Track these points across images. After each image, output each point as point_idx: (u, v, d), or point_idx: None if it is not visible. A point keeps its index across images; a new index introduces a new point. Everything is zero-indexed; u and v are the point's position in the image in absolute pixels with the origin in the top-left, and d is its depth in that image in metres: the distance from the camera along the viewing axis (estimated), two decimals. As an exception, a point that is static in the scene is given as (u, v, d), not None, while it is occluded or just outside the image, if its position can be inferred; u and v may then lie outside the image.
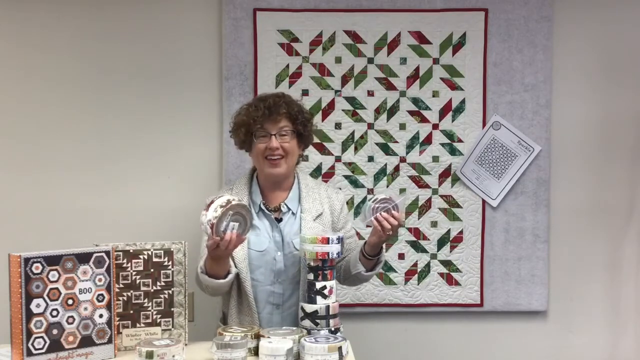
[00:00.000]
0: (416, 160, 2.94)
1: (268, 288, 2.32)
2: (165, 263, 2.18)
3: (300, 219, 2.33)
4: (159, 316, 2.17)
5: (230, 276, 2.22)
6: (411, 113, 2.93)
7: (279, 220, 2.34)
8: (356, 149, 2.93)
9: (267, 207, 2.35)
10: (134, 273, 2.15)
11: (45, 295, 1.95)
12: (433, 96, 2.93)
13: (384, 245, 2.35)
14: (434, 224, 2.96)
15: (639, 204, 3.02)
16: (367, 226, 2.29)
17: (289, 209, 2.35)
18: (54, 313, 1.97)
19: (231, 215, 2.05)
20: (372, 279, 2.92)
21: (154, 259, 2.17)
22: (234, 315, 2.31)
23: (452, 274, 2.96)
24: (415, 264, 2.96)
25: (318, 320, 2.12)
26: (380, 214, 2.20)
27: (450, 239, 2.96)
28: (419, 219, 2.95)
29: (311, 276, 2.15)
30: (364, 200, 2.92)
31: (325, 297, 2.14)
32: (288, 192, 2.37)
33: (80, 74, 2.89)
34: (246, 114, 2.31)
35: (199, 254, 2.33)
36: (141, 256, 2.16)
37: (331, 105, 2.92)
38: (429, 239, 2.96)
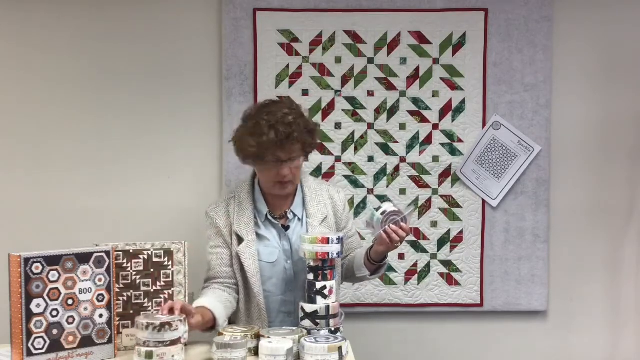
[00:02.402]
0: (416, 160, 2.94)
1: (280, 297, 2.31)
2: (165, 263, 2.18)
3: (306, 224, 2.32)
4: (159, 316, 2.17)
5: (217, 329, 2.14)
6: (411, 113, 2.93)
7: (286, 228, 2.33)
8: (356, 149, 2.93)
9: (274, 216, 2.34)
10: (134, 273, 2.16)
11: (45, 295, 1.95)
12: (433, 96, 2.93)
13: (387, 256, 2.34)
14: (434, 224, 2.96)
15: (639, 204, 3.02)
16: (375, 238, 2.26)
17: (295, 215, 2.34)
18: (54, 313, 1.97)
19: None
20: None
21: (154, 259, 2.17)
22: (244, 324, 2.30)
23: (452, 274, 2.96)
24: (415, 264, 2.96)
25: (318, 320, 2.12)
26: (389, 226, 2.18)
27: (450, 239, 2.96)
28: (419, 219, 2.95)
29: (311, 276, 2.15)
30: (364, 201, 2.92)
31: (325, 297, 2.14)
32: (292, 198, 2.36)
33: (80, 74, 2.89)
34: (256, 145, 2.17)
35: (203, 254, 2.36)
36: (141, 256, 2.16)
37: (331, 105, 2.92)
38: (429, 239, 2.96)
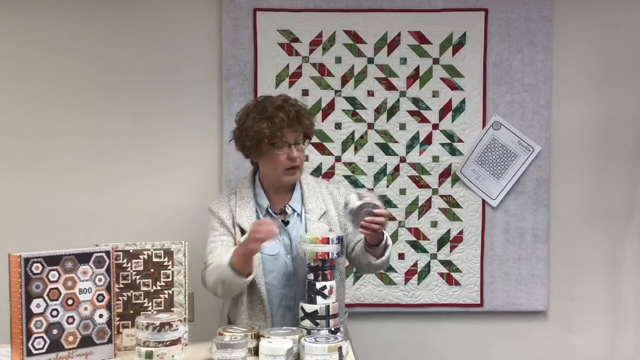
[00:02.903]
0: (416, 160, 2.94)
1: (280, 291, 2.31)
2: (165, 263, 2.18)
3: (305, 219, 2.33)
4: (159, 316, 2.17)
5: (251, 277, 2.19)
6: (411, 113, 2.93)
7: (286, 223, 2.34)
8: (356, 149, 2.93)
9: (274, 211, 2.35)
10: (134, 273, 2.16)
11: (45, 295, 1.95)
12: (433, 96, 2.93)
13: (387, 237, 2.28)
14: (434, 224, 2.96)
15: (639, 204, 3.02)
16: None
17: (294, 211, 2.35)
18: (54, 313, 1.97)
19: None
20: (372, 279, 2.93)
21: (154, 259, 2.17)
22: (245, 321, 2.30)
23: (452, 274, 2.96)
24: (415, 264, 2.96)
25: (318, 320, 2.12)
26: (364, 220, 2.12)
27: (450, 239, 2.96)
28: (419, 219, 2.95)
29: (311, 276, 2.15)
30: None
31: (325, 297, 2.14)
32: (291, 193, 2.37)
33: (81, 73, 2.89)
34: (269, 127, 2.22)
35: (203, 254, 2.33)
36: (141, 256, 2.16)
37: (331, 105, 2.92)
38: (429, 239, 2.96)
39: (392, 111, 2.93)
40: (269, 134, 2.23)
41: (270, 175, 2.34)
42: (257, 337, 2.07)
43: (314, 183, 2.42)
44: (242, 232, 2.29)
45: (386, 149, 2.94)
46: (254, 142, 2.26)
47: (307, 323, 2.12)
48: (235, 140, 2.35)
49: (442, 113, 2.94)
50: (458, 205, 2.95)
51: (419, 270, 2.96)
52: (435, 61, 2.93)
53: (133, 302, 2.16)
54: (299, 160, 2.29)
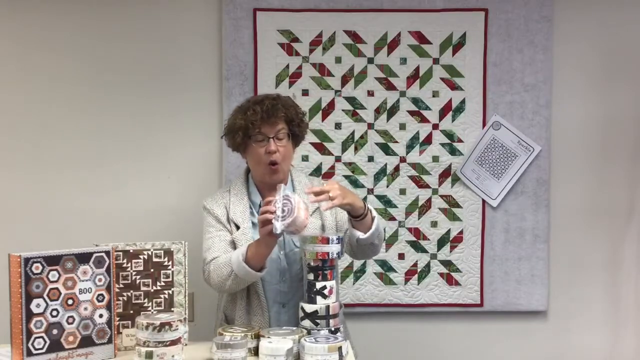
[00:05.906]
0: (416, 160, 2.94)
1: (275, 287, 2.32)
2: (165, 263, 2.18)
3: None
4: (159, 316, 2.17)
5: (265, 270, 2.20)
6: (411, 113, 2.94)
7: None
8: (356, 149, 2.93)
9: None
10: (134, 273, 2.16)
11: (45, 295, 1.95)
12: (433, 96, 2.93)
13: (371, 210, 2.27)
14: (434, 224, 2.96)
15: (639, 204, 3.02)
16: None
17: None
18: (54, 313, 1.97)
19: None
20: (372, 279, 2.93)
21: (154, 259, 2.17)
22: (243, 317, 2.31)
23: (452, 274, 2.96)
24: (415, 264, 2.96)
25: (318, 320, 2.12)
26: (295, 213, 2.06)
27: (450, 239, 2.96)
28: (419, 219, 2.95)
29: (311, 276, 2.15)
30: (364, 201, 2.91)
31: (325, 297, 2.14)
32: None
33: (80, 73, 2.89)
34: (243, 118, 2.28)
35: (205, 250, 2.31)
36: (141, 256, 2.16)
37: (331, 105, 2.92)
38: (429, 239, 2.96)
39: (392, 111, 2.93)
40: (243, 125, 2.27)
41: (255, 172, 2.36)
42: (257, 337, 2.07)
43: (306, 181, 2.43)
44: (237, 227, 2.30)
45: (386, 149, 2.94)
46: (231, 135, 2.32)
47: (307, 323, 2.12)
48: (224, 136, 2.41)
49: (442, 113, 2.94)
50: (458, 205, 2.95)
51: (419, 270, 2.96)
52: (435, 61, 2.93)
53: (133, 302, 2.16)
54: (280, 157, 2.27)
